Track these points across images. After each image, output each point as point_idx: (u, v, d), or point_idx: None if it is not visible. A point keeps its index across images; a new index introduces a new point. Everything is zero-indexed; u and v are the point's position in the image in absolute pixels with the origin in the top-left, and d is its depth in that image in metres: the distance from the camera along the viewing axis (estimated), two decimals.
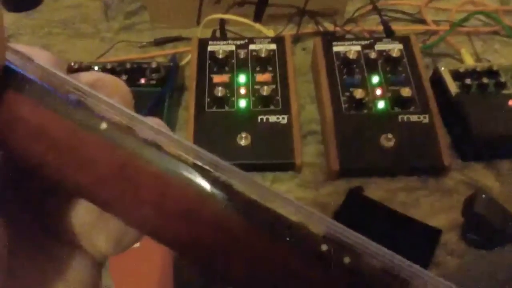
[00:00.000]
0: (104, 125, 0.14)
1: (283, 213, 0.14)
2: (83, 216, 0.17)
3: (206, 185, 0.14)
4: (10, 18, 0.70)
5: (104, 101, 0.15)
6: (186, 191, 0.14)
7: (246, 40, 0.56)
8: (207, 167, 0.14)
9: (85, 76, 0.17)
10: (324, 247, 0.14)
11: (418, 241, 0.46)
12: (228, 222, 0.14)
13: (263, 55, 0.54)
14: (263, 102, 0.52)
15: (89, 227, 0.17)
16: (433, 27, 0.64)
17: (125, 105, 0.15)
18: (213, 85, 0.53)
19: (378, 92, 0.52)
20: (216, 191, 0.14)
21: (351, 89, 0.52)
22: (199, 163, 0.14)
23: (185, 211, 0.14)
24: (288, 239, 0.14)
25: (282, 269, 0.14)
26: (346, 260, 0.14)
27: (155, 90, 0.54)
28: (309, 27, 0.65)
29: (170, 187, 0.14)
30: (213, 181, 0.14)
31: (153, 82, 0.55)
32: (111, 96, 0.15)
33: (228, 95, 0.52)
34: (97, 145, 0.14)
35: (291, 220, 0.14)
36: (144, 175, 0.14)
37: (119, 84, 0.17)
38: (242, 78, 0.53)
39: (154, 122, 0.15)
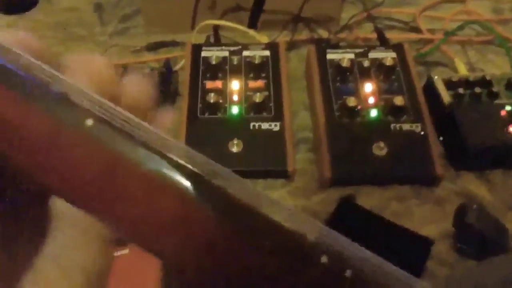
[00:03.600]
0: (90, 122, 0.13)
1: (276, 219, 0.13)
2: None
3: (193, 189, 0.13)
4: (4, 20, 0.69)
5: (91, 96, 0.13)
6: (176, 195, 0.13)
7: (240, 47, 0.56)
8: (198, 171, 0.13)
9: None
10: (324, 259, 0.13)
11: (410, 251, 0.46)
12: (215, 229, 0.13)
13: (256, 61, 0.54)
14: (255, 109, 0.51)
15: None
16: (427, 35, 0.64)
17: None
18: (206, 91, 0.52)
19: (371, 100, 0.52)
20: (203, 196, 0.13)
21: (344, 97, 0.52)
22: (190, 167, 0.13)
23: (173, 216, 0.13)
24: (279, 248, 0.13)
25: (275, 280, 0.13)
26: (348, 273, 0.13)
27: None
28: (304, 34, 0.65)
29: (160, 191, 0.13)
30: (204, 185, 0.13)
31: None
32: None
33: (221, 101, 0.52)
34: (82, 144, 0.13)
35: (286, 226, 0.13)
36: (133, 178, 0.13)
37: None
38: (235, 85, 0.53)
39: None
